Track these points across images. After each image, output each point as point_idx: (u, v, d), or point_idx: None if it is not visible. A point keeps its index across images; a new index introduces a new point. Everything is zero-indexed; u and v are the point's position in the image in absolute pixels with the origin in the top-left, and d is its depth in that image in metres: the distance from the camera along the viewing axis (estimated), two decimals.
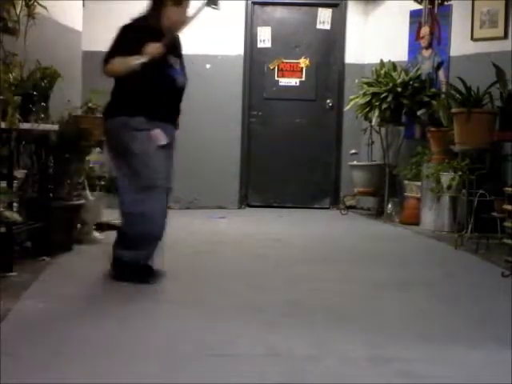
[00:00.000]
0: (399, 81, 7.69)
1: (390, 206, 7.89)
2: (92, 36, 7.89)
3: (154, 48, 4.29)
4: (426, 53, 7.88)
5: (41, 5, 5.47)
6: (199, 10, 4.47)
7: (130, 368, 2.89)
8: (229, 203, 8.71)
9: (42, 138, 5.26)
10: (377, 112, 7.75)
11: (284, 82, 8.91)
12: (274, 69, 8.90)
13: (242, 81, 8.73)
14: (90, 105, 6.30)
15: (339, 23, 8.87)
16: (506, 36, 6.88)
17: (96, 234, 6.09)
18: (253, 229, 7.23)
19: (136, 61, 4.27)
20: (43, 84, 5.28)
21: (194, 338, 3.31)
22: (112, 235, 6.26)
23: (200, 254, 5.61)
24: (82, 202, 5.66)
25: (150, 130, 4.32)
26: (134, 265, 4.39)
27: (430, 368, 2.98)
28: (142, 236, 4.36)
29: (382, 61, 8.02)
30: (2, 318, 3.50)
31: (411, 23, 8.09)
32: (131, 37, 4.36)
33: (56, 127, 5.40)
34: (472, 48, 7.24)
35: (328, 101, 8.92)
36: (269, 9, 8.95)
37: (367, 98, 7.81)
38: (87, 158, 5.94)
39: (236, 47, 8.69)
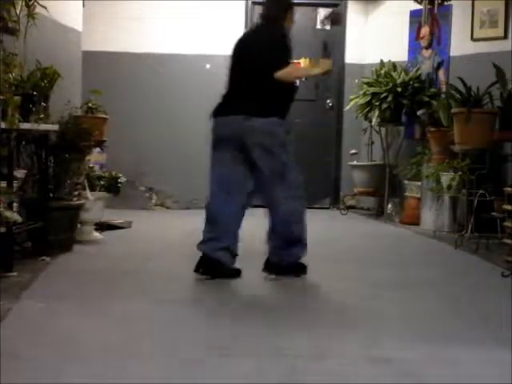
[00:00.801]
0: (399, 81, 7.69)
1: (389, 206, 7.89)
2: (92, 36, 7.91)
3: (328, 64, 5.09)
4: (426, 53, 7.88)
5: (41, 5, 5.47)
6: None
7: (129, 368, 2.88)
8: None
9: (42, 138, 5.25)
10: (377, 112, 7.75)
11: None
12: None
13: None
14: (90, 105, 6.30)
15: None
16: (505, 36, 6.88)
17: (96, 234, 6.09)
18: (253, 229, 7.21)
19: (315, 71, 5.00)
20: (43, 84, 5.28)
21: (195, 338, 3.31)
22: (112, 235, 6.30)
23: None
24: (81, 202, 5.66)
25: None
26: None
27: (430, 368, 2.98)
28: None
29: (382, 61, 8.02)
30: (2, 317, 3.50)
31: (411, 23, 8.08)
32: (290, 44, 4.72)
33: (56, 127, 5.39)
34: (472, 48, 7.24)
35: (328, 101, 8.92)
36: None
37: (367, 98, 7.81)
38: (87, 157, 5.93)
39: None
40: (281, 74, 4.48)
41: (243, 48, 4.76)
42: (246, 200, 4.74)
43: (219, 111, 4.68)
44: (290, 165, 4.60)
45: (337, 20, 4.86)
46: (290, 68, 4.59)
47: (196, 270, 4.61)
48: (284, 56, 4.57)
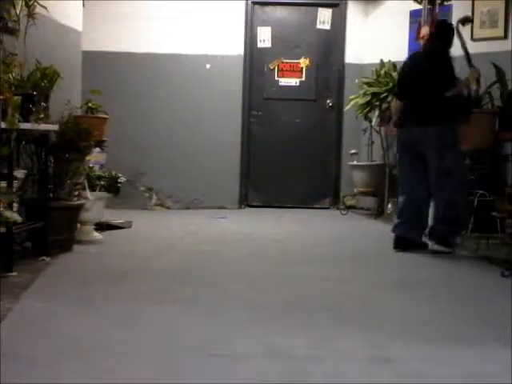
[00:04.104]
0: None
1: (389, 206, 7.88)
2: (92, 36, 7.91)
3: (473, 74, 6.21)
4: None
5: (41, 5, 5.47)
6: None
7: (129, 368, 2.88)
8: (229, 203, 8.71)
9: (42, 138, 5.25)
10: (377, 112, 7.75)
11: (284, 82, 8.91)
12: (273, 69, 8.90)
13: (241, 81, 8.73)
14: (90, 105, 6.30)
15: (339, 23, 8.87)
16: (505, 36, 6.88)
17: (96, 234, 6.09)
18: (253, 229, 7.23)
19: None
20: (43, 84, 5.28)
21: (194, 338, 3.31)
22: (112, 235, 6.30)
23: (200, 254, 5.61)
24: (81, 202, 5.67)
25: None
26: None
27: (430, 368, 2.98)
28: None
29: (382, 61, 8.02)
30: (1, 317, 3.50)
31: (411, 23, 8.09)
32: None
33: (56, 127, 5.39)
34: (472, 48, 7.21)
35: (328, 101, 8.92)
36: (269, 9, 8.95)
37: (367, 98, 7.81)
38: (87, 157, 5.93)
39: (236, 47, 8.69)
40: (452, 92, 5.69)
41: (420, 71, 5.80)
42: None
43: (409, 122, 5.78)
44: (456, 164, 5.70)
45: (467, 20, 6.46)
46: (458, 87, 5.76)
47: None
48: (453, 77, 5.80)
